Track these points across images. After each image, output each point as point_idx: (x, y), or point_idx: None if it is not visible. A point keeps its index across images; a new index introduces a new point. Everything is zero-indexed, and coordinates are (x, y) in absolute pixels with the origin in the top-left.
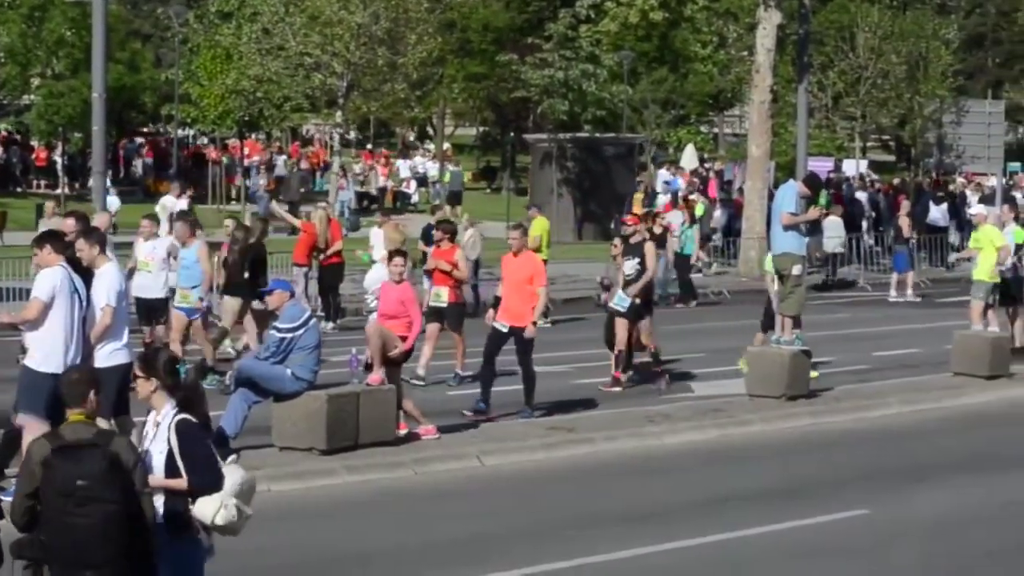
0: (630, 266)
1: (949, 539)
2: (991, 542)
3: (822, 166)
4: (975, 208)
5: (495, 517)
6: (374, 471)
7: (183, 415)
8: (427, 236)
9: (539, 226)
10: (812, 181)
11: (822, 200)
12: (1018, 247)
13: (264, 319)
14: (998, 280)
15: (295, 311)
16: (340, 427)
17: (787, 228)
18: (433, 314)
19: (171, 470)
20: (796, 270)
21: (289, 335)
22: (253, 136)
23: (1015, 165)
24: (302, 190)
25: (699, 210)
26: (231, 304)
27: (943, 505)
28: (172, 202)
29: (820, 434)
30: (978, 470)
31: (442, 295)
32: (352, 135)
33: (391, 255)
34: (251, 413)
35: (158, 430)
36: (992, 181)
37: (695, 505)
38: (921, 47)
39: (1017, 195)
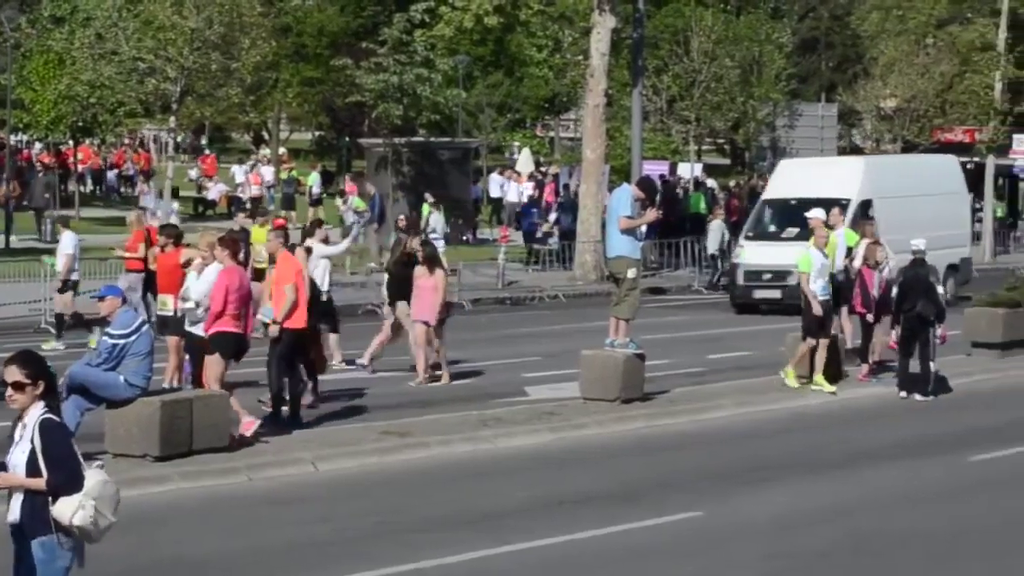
0: None
1: (782, 540)
2: (824, 542)
3: (657, 169)
4: (811, 212)
5: (330, 522)
6: (208, 477)
7: (49, 414)
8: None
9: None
10: (646, 184)
11: (701, 203)
12: (848, 249)
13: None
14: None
15: (127, 317)
16: (174, 433)
17: (624, 232)
18: (160, 324)
19: (32, 470)
20: (631, 273)
21: (121, 341)
22: (88, 142)
23: None
24: (47, 196)
25: (425, 210)
26: (406, 307)
27: (777, 506)
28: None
29: (655, 437)
30: (811, 471)
31: (167, 304)
32: (170, 139)
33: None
34: (84, 420)
35: (24, 431)
36: None
37: (530, 508)
38: (755, 51)
39: None
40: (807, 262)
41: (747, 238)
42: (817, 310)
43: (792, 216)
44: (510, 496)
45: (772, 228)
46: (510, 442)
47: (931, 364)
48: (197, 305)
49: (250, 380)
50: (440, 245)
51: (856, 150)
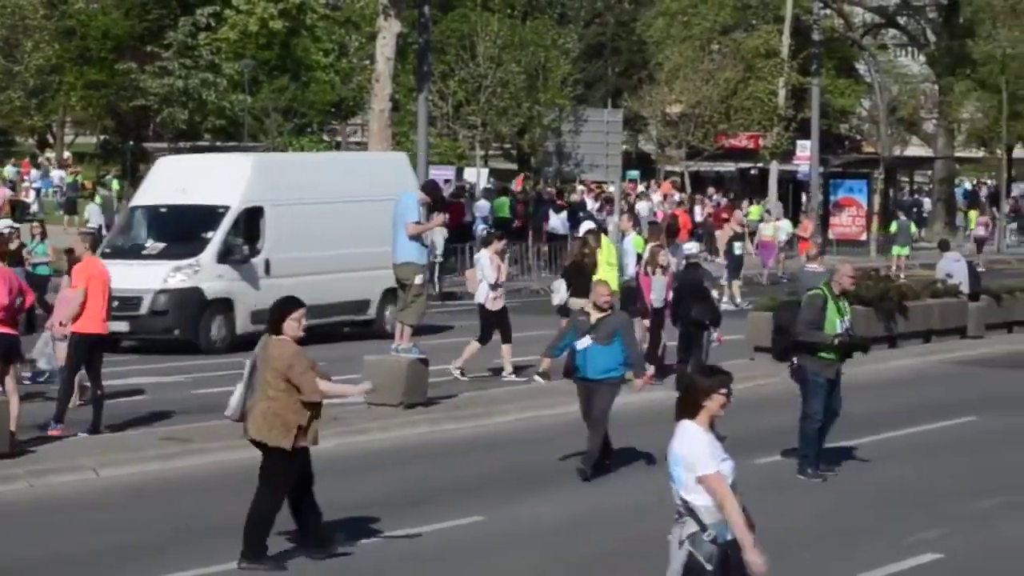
0: None
1: (563, 544)
2: (604, 547)
3: (444, 174)
4: (608, 221)
5: (112, 529)
6: None
7: None
8: None
9: None
10: (431, 188)
11: (506, 209)
12: (638, 256)
13: None
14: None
15: None
16: None
17: (412, 238)
18: None
19: None
20: (419, 280)
21: None
22: None
23: (633, 173)
24: None
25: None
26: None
27: (557, 510)
28: None
29: (438, 442)
30: (595, 475)
31: None
32: None
33: None
34: None
35: None
36: (611, 188)
37: None
38: (541, 56)
39: (642, 205)
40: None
41: (103, 255)
42: None
43: (161, 227)
44: None
45: (135, 243)
46: None
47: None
48: None
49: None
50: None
51: (642, 156)
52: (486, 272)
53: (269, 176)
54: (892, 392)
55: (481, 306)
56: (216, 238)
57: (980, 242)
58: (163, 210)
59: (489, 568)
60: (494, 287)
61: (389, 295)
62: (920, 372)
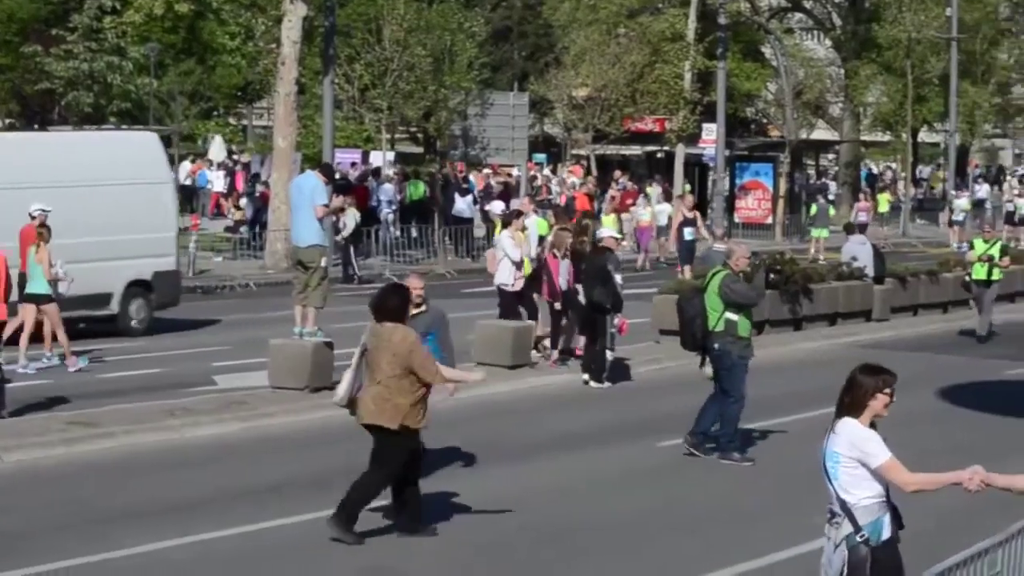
0: None
1: (462, 529)
2: (503, 532)
3: (350, 158)
4: (493, 205)
5: (16, 513)
6: None
7: None
8: None
9: None
10: (329, 170)
11: (421, 190)
12: (541, 238)
13: None
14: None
15: None
16: None
17: (322, 220)
18: None
19: None
20: (324, 262)
21: None
22: None
23: (540, 157)
24: None
25: None
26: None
27: (460, 494)
28: None
29: (344, 425)
30: (495, 459)
31: None
32: None
33: None
34: None
35: None
36: (516, 172)
37: (217, 499)
38: (447, 40)
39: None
40: None
41: None
42: None
43: None
44: (197, 486)
45: None
46: (198, 432)
47: (607, 352)
48: None
49: None
50: None
51: (549, 139)
52: (508, 251)
53: None
54: (797, 375)
55: (499, 288)
56: None
57: (862, 228)
58: None
59: (389, 553)
60: (519, 265)
61: (133, 288)
62: (825, 355)
